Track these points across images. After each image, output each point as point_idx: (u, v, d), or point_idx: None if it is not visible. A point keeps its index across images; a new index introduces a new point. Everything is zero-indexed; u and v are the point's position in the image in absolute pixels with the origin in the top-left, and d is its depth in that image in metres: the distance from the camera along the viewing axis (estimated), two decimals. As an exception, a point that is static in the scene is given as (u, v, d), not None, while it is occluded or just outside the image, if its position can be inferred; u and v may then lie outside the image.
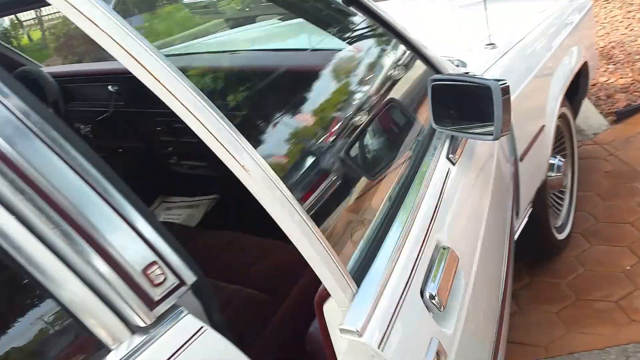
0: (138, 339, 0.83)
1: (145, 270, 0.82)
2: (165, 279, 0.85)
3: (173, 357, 0.83)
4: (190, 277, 0.87)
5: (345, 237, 1.05)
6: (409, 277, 0.99)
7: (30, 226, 0.74)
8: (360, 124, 1.39)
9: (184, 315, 0.86)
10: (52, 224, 0.75)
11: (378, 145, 1.39)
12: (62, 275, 0.76)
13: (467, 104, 1.34)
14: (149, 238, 0.83)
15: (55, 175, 0.76)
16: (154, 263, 0.83)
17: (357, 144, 1.34)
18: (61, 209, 0.76)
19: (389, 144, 1.42)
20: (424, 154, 1.36)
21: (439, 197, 1.22)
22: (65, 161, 0.77)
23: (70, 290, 0.77)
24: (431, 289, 0.99)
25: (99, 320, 0.79)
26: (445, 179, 1.28)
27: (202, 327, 0.87)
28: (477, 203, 1.36)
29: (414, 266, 1.01)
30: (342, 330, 0.87)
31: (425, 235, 1.09)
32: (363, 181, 1.25)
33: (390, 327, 0.89)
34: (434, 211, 1.17)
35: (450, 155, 1.36)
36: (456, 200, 1.28)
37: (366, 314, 0.88)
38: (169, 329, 0.85)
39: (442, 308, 0.98)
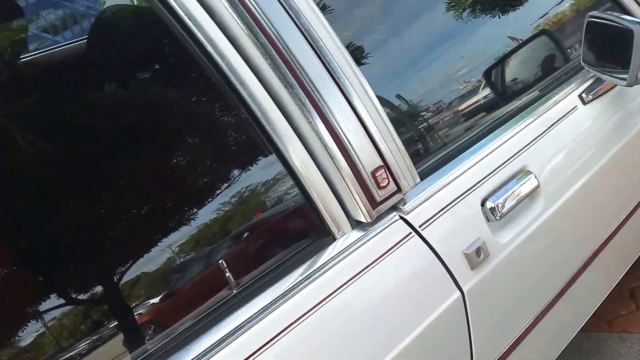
0: (357, 234, 0.97)
1: (374, 172, 0.96)
2: (387, 184, 0.97)
3: (384, 256, 0.95)
4: (405, 187, 1.01)
5: (434, 141, 1.21)
6: (476, 184, 1.12)
7: (291, 119, 0.91)
8: (510, 49, 1.46)
9: (397, 220, 1.00)
10: (309, 119, 0.91)
11: (516, 70, 1.45)
12: (309, 167, 0.92)
13: (614, 45, 1.33)
14: (379, 145, 0.97)
15: (319, 79, 0.92)
16: (381, 167, 0.96)
17: (498, 66, 1.43)
18: (318, 106, 0.92)
19: (528, 72, 1.47)
20: (557, 87, 1.40)
21: (548, 128, 1.28)
22: (327, 68, 0.93)
23: (314, 181, 0.92)
24: (494, 199, 1.12)
25: (330, 211, 0.94)
26: (565, 114, 1.33)
27: (410, 233, 1.00)
28: (593, 149, 1.37)
29: (485, 177, 1.14)
30: (394, 208, 1.05)
31: (513, 156, 1.20)
32: (483, 98, 1.35)
33: (437, 216, 1.06)
34: (535, 139, 1.25)
35: (583, 94, 1.38)
36: (568, 137, 1.32)
37: (418, 200, 1.06)
38: (384, 229, 0.98)
39: (498, 217, 1.11)
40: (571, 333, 1.49)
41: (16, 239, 0.81)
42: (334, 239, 0.96)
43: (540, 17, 1.58)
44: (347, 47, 0.98)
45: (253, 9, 0.87)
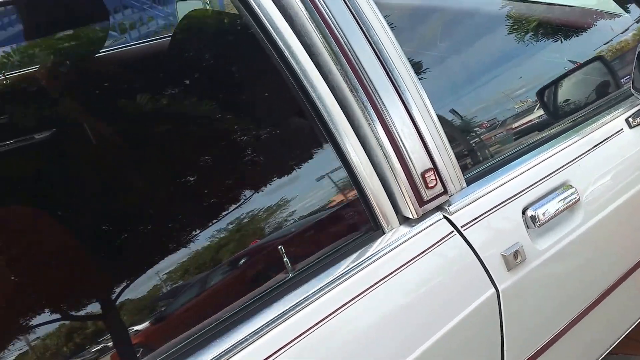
0: (404, 229, 1.07)
1: (424, 173, 1.06)
2: (435, 185, 1.07)
3: (427, 250, 1.05)
4: (452, 189, 1.11)
5: (483, 151, 1.31)
6: (518, 193, 1.21)
7: (353, 120, 1.02)
8: (564, 71, 1.54)
9: (441, 219, 1.10)
10: (369, 121, 1.02)
11: (567, 92, 1.53)
12: (365, 165, 1.02)
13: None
14: (431, 150, 1.07)
15: (381, 86, 1.02)
16: (430, 169, 1.06)
17: (550, 87, 1.51)
18: (378, 110, 1.02)
19: (578, 94, 1.55)
20: (606, 109, 1.47)
21: (593, 147, 1.36)
22: (389, 77, 1.02)
23: (368, 178, 1.02)
24: (535, 208, 1.20)
25: (381, 206, 1.04)
26: (610, 136, 1.40)
27: (452, 231, 1.09)
28: (636, 170, 1.43)
29: (528, 187, 1.23)
30: (440, 208, 1.14)
31: (556, 170, 1.28)
32: (531, 116, 1.44)
33: (479, 219, 1.15)
34: (579, 156, 1.32)
35: (630, 118, 1.45)
36: (611, 156, 1.39)
37: (462, 202, 1.15)
38: (428, 227, 1.08)
39: (537, 225, 1.19)
40: (601, 348, 1.54)
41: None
42: (383, 233, 1.06)
43: (604, 44, 1.65)
44: (411, 61, 1.09)
45: (329, 21, 1.00)
